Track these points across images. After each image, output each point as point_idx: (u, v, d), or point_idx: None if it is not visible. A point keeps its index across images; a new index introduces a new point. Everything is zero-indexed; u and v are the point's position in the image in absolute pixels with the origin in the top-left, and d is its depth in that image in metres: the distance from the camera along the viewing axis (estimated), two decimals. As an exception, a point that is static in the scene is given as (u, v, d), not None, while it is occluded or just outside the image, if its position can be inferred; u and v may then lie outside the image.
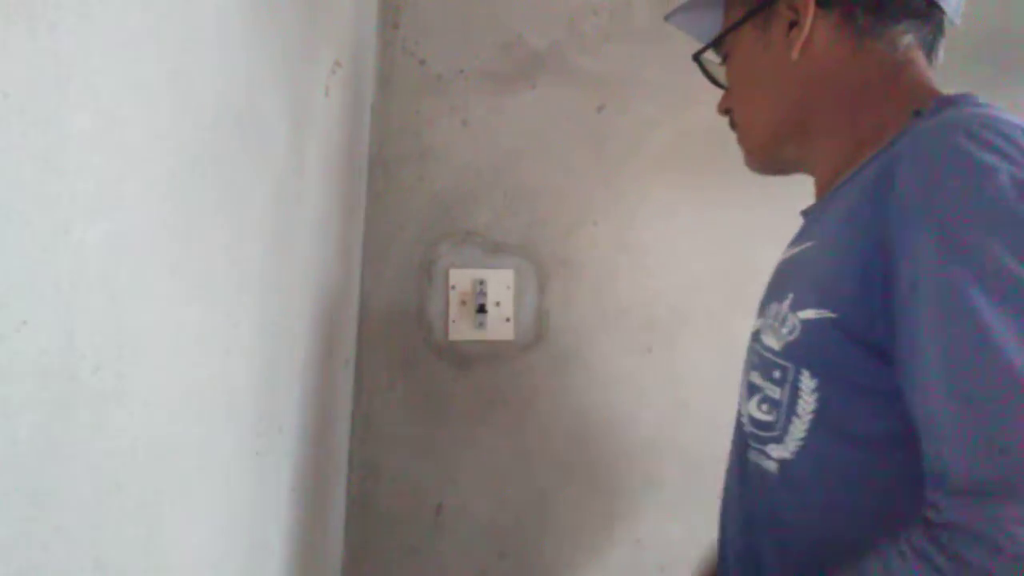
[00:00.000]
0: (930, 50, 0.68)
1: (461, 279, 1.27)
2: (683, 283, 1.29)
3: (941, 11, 0.67)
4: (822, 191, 0.71)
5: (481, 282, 1.26)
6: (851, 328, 0.54)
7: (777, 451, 0.61)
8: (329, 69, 0.98)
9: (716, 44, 0.77)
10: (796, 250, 0.66)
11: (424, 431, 1.25)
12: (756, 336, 0.67)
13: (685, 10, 0.80)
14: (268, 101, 0.75)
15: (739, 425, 0.70)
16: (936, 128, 0.55)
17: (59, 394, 0.41)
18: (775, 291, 0.66)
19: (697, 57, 0.79)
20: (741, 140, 0.78)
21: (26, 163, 0.37)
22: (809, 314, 0.58)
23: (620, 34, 1.33)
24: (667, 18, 0.82)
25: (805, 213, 0.74)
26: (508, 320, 1.26)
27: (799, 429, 0.59)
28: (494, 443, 1.25)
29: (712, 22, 0.79)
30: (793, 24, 0.68)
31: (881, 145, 0.61)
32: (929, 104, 0.61)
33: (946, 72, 0.69)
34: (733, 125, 0.79)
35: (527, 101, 1.31)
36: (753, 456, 0.65)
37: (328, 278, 1.04)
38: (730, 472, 0.73)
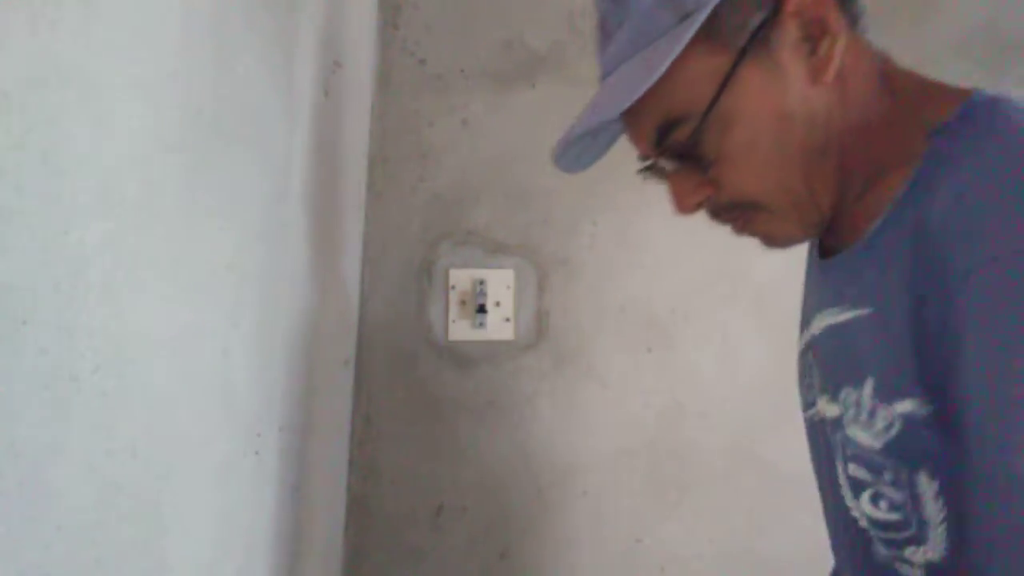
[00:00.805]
0: None
1: (461, 279, 1.27)
2: (683, 283, 1.29)
3: None
4: (844, 238, 0.56)
5: (481, 282, 1.26)
6: (947, 421, 0.44)
7: (920, 554, 0.49)
8: (329, 69, 0.98)
9: (703, 121, 0.52)
10: (848, 315, 0.53)
11: (424, 431, 1.25)
12: (837, 425, 0.53)
13: (584, 138, 0.62)
14: (268, 101, 0.75)
15: (849, 520, 0.56)
16: (980, 173, 0.43)
17: (59, 394, 0.41)
18: (841, 370, 0.53)
19: (662, 153, 0.58)
20: (760, 220, 0.57)
21: (26, 163, 0.37)
22: (908, 406, 0.46)
23: (620, 34, 1.33)
24: (558, 159, 0.65)
25: (826, 259, 0.59)
26: (508, 320, 1.26)
27: (939, 535, 0.47)
28: (494, 443, 1.25)
29: (602, 142, 0.65)
30: (810, 40, 0.51)
31: (901, 180, 0.49)
32: (943, 114, 0.48)
33: (930, 68, 0.65)
34: (726, 213, 0.59)
35: (527, 101, 1.31)
36: (884, 556, 0.52)
37: (328, 278, 1.04)
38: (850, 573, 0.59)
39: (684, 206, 0.59)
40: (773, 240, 0.60)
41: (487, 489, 1.25)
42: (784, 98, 0.52)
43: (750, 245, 1.40)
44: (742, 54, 0.51)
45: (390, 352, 1.26)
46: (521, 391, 1.26)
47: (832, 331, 0.55)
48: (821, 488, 0.63)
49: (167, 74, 0.52)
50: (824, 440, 0.58)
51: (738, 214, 0.58)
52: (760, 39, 0.51)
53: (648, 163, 0.62)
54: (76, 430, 0.43)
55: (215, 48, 0.60)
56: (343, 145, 1.09)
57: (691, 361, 1.28)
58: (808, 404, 0.64)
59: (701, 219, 1.38)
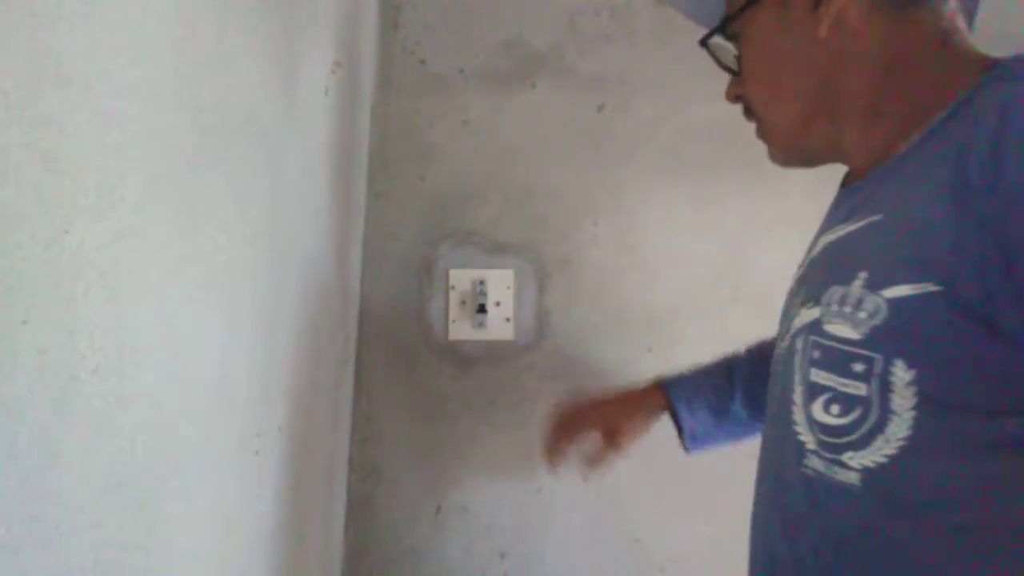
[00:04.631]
0: (970, 17, 0.61)
1: (461, 279, 1.27)
2: (683, 283, 1.29)
3: None
4: (867, 167, 0.63)
5: (481, 282, 1.26)
6: (962, 301, 0.48)
7: (858, 459, 0.53)
8: (329, 69, 0.98)
9: (725, 26, 0.68)
10: (853, 226, 0.59)
11: (424, 431, 1.25)
12: (814, 328, 0.58)
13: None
14: (268, 101, 0.75)
15: (783, 436, 0.62)
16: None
17: (59, 394, 0.41)
18: (831, 273, 0.58)
19: (705, 43, 0.71)
20: (762, 131, 0.70)
21: (26, 163, 0.37)
22: (900, 291, 0.50)
23: (620, 34, 1.33)
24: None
25: (847, 186, 0.67)
26: (508, 320, 1.26)
27: (899, 428, 0.51)
28: (494, 443, 1.25)
29: (716, 3, 0.72)
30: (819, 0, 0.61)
31: (941, 112, 0.55)
32: (1002, 63, 0.54)
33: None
34: (748, 113, 0.71)
35: (527, 101, 1.31)
36: (816, 467, 0.57)
37: (328, 278, 1.04)
38: (771, 492, 0.65)
39: (727, 95, 0.72)
40: (768, 151, 0.72)
41: (487, 489, 1.24)
42: (782, 35, 0.64)
43: (750, 245, 1.40)
44: None
45: (390, 352, 1.26)
46: (521, 391, 1.26)
47: (832, 245, 0.62)
48: (770, 422, 0.68)
49: (167, 74, 0.52)
50: (787, 366, 0.63)
51: (753, 119, 0.71)
52: None
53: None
54: (76, 430, 0.43)
55: (215, 48, 0.60)
56: (343, 145, 1.09)
57: (691, 361, 1.28)
58: (782, 336, 0.68)
59: (701, 220, 1.38)
